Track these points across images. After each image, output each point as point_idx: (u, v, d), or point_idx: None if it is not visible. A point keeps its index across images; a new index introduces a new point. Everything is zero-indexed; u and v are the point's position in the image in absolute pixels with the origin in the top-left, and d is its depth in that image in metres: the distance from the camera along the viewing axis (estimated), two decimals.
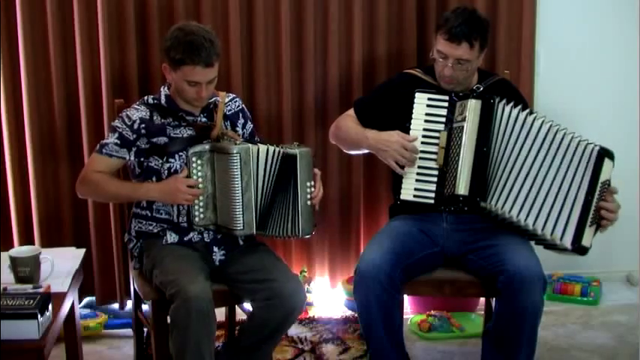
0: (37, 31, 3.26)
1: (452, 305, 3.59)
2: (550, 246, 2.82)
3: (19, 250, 2.69)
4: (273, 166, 2.76)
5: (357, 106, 3.11)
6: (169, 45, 2.73)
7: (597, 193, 2.75)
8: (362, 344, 3.31)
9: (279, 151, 2.76)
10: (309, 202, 2.78)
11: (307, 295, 3.55)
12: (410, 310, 3.64)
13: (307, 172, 2.77)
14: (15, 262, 2.60)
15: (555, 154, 2.77)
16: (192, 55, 2.68)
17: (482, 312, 3.29)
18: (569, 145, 2.77)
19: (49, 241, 3.35)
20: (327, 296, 3.72)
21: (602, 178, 2.76)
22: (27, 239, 3.38)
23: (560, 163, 2.76)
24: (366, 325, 2.81)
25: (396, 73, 3.20)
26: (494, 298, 2.94)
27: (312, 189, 2.78)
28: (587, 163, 2.75)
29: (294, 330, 3.44)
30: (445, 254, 2.94)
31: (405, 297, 3.13)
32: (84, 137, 3.34)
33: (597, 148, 2.77)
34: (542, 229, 2.74)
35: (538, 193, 2.75)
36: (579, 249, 2.76)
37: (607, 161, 2.77)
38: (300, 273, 3.60)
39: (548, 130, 2.77)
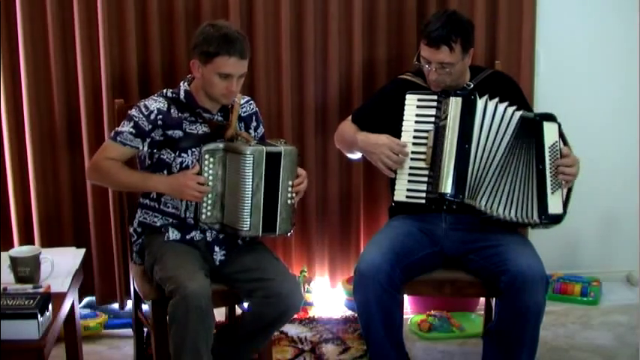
0: (37, 31, 3.25)
1: (452, 305, 3.59)
2: (529, 225, 2.84)
3: (19, 250, 2.69)
4: (266, 165, 2.74)
5: (354, 117, 3.12)
6: (202, 39, 2.75)
7: (548, 158, 2.76)
8: (362, 344, 3.31)
9: (261, 150, 2.74)
10: (289, 202, 2.77)
11: (307, 295, 3.56)
12: (410, 310, 3.64)
13: (290, 171, 2.76)
14: (15, 262, 2.60)
15: (510, 136, 2.80)
16: (228, 47, 2.70)
17: (482, 312, 3.30)
18: (516, 123, 2.79)
19: (49, 241, 3.35)
20: (327, 296, 3.72)
21: (548, 142, 2.77)
22: (27, 239, 3.38)
23: (514, 144, 2.79)
24: (366, 325, 2.81)
25: (390, 81, 3.21)
26: (494, 298, 2.94)
27: (292, 188, 2.77)
28: (529, 134, 2.77)
29: (294, 330, 3.44)
30: (445, 254, 2.94)
31: (405, 297, 3.13)
32: (84, 137, 3.34)
33: (530, 115, 2.80)
34: (516, 215, 2.78)
35: (501, 180, 2.78)
36: (550, 218, 2.78)
37: (547, 124, 2.78)
38: (300, 273, 3.60)
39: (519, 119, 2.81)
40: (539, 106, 3.60)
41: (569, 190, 2.85)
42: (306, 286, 3.60)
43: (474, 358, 3.13)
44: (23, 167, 3.36)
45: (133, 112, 2.82)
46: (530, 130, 2.79)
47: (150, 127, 2.79)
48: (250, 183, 2.71)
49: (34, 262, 2.61)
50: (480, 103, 2.79)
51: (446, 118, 2.80)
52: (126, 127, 2.80)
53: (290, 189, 2.76)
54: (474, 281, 2.90)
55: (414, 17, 3.50)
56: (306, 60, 3.47)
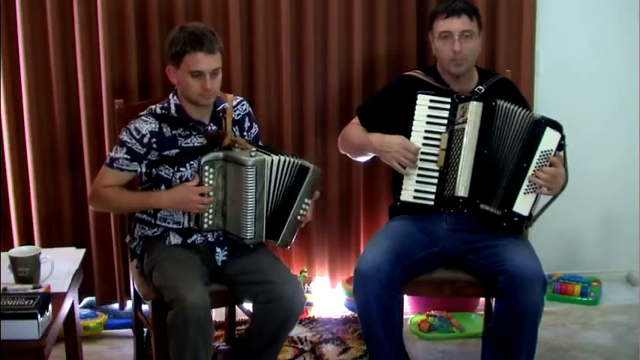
0: (37, 31, 3.26)
1: (452, 305, 3.59)
2: (501, 221, 2.80)
3: (19, 250, 2.69)
4: (286, 176, 2.76)
5: (360, 113, 3.12)
6: (170, 43, 2.75)
7: (535, 161, 2.75)
8: (362, 344, 3.31)
9: (295, 162, 2.75)
10: (299, 217, 2.79)
11: (307, 295, 3.56)
12: (410, 310, 3.64)
13: (310, 189, 2.78)
14: (15, 262, 2.60)
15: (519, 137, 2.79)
16: (194, 43, 2.69)
17: (482, 312, 3.29)
18: (520, 121, 2.78)
19: (49, 241, 3.35)
20: (327, 296, 3.72)
21: (543, 147, 2.75)
22: (27, 239, 3.38)
23: (513, 141, 2.78)
24: (366, 325, 2.81)
25: (396, 77, 3.20)
26: (494, 298, 2.94)
27: (307, 207, 2.79)
28: (527, 132, 2.76)
29: (294, 330, 3.41)
30: (445, 254, 2.94)
31: (405, 297, 3.13)
32: (84, 137, 3.34)
33: (538, 116, 2.77)
34: (488, 204, 2.77)
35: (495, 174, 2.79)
36: (511, 214, 2.76)
37: (549, 130, 2.76)
38: (300, 273, 3.60)
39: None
40: (539, 106, 3.61)
41: (548, 203, 2.84)
42: (306, 287, 3.60)
43: (473, 358, 3.13)
44: (23, 167, 3.36)
45: (125, 136, 2.77)
46: (532, 129, 2.77)
47: (145, 150, 2.76)
48: (253, 193, 2.70)
49: (34, 262, 2.61)
50: (500, 108, 2.79)
51: (464, 122, 2.79)
52: (120, 154, 2.77)
53: (304, 206, 2.78)
54: (473, 281, 2.90)
55: (413, 17, 3.50)
56: (306, 60, 3.47)
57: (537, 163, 2.75)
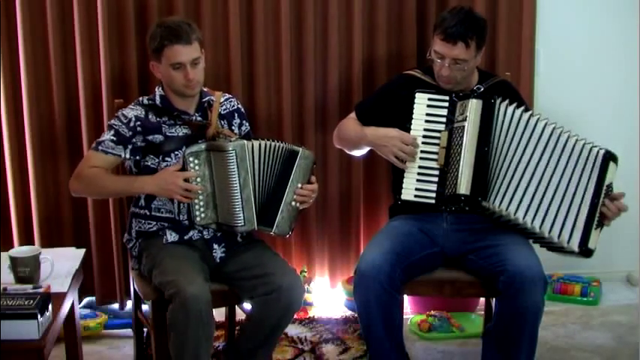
0: (37, 31, 3.26)
1: (452, 305, 3.59)
2: (555, 248, 2.82)
3: (19, 250, 2.69)
4: (274, 160, 2.77)
5: (358, 110, 3.12)
6: (150, 39, 2.82)
7: (602, 196, 2.76)
8: (362, 344, 3.31)
9: (282, 147, 2.77)
10: (293, 203, 2.79)
11: (307, 295, 3.56)
12: (410, 310, 3.64)
13: (303, 174, 2.78)
14: (15, 262, 2.60)
15: (560, 156, 2.78)
16: (170, 36, 2.74)
17: (483, 312, 3.30)
18: (573, 147, 2.78)
19: (49, 241, 3.35)
20: (327, 296, 3.72)
21: (607, 181, 2.77)
22: (27, 239, 3.38)
23: (566, 165, 2.77)
24: (366, 325, 2.81)
25: (396, 75, 3.20)
26: (494, 299, 2.94)
27: (301, 192, 2.79)
28: (593, 166, 2.77)
29: (294, 330, 3.44)
30: (445, 254, 2.94)
31: (405, 297, 3.13)
32: (84, 137, 3.34)
33: (603, 152, 2.78)
34: (549, 233, 2.75)
35: (544, 196, 2.76)
36: (585, 252, 2.77)
37: (612, 165, 2.79)
38: (300, 273, 3.60)
39: (552, 131, 2.79)
40: (539, 106, 3.61)
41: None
42: (306, 286, 3.60)
43: (473, 358, 3.13)
44: (23, 167, 3.36)
45: (113, 121, 2.85)
46: (593, 163, 2.77)
47: (130, 133, 2.80)
48: (237, 178, 2.72)
49: (34, 262, 2.61)
50: (502, 107, 2.79)
51: (464, 119, 2.79)
52: (107, 136, 2.81)
53: (297, 191, 2.78)
54: (473, 281, 2.90)
55: (413, 17, 3.51)
56: (306, 59, 3.48)
57: (602, 198, 2.76)
